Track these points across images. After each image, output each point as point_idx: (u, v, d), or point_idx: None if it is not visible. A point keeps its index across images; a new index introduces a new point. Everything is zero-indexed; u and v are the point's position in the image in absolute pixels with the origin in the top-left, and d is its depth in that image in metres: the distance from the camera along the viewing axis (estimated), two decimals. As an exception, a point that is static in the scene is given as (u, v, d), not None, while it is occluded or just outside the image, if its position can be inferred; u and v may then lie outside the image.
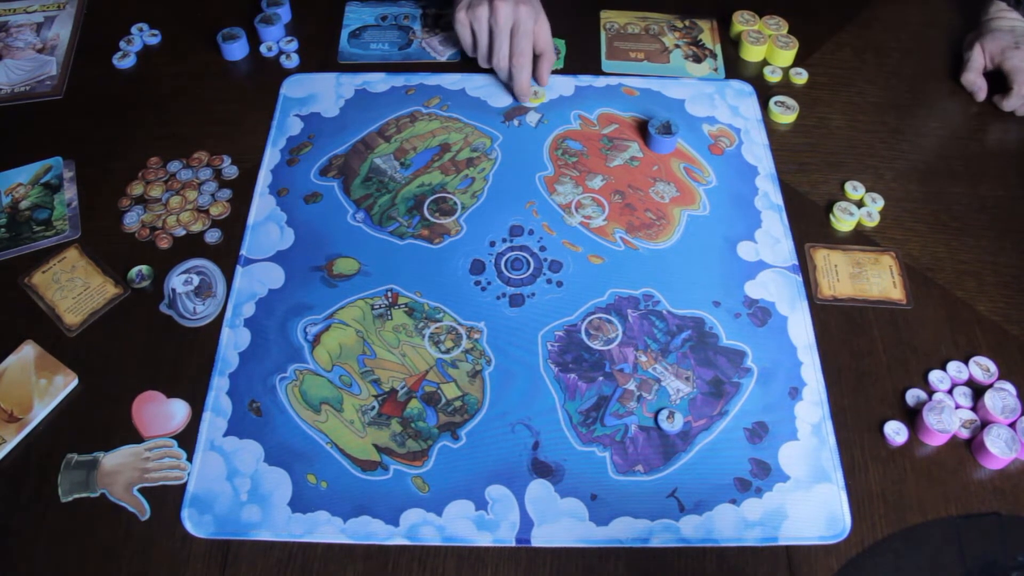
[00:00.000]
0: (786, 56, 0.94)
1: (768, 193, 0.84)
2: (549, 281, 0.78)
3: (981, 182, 0.86)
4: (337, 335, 0.74)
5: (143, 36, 0.98)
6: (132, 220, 0.81)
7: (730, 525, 0.65)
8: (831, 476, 0.67)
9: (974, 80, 0.92)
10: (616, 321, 0.75)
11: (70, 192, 0.84)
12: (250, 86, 0.94)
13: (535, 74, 0.89)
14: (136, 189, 0.84)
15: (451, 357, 0.73)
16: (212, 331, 0.74)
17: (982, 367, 0.73)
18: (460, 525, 0.65)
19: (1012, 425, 0.68)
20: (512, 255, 0.79)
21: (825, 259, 0.79)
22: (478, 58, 0.90)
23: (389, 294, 0.77)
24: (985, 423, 0.69)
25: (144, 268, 0.78)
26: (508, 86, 0.90)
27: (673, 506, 0.66)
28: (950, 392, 0.72)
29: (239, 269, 0.78)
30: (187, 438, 0.68)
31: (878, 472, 0.68)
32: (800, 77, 0.94)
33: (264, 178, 0.85)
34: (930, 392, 0.71)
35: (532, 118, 0.90)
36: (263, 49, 0.96)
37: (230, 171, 0.85)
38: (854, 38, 0.99)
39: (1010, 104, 0.90)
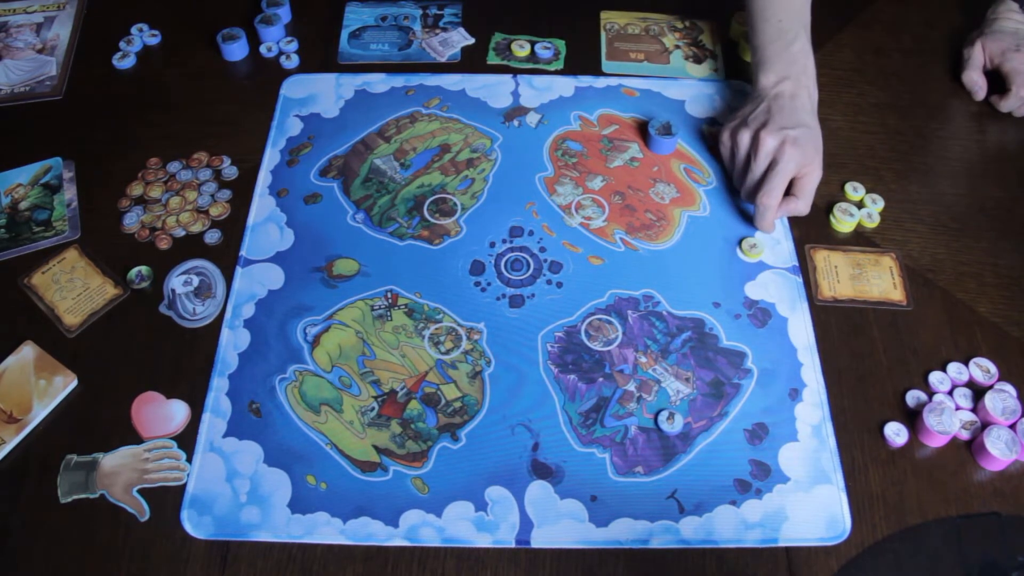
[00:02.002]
0: (786, 57, 0.94)
1: (768, 194, 0.84)
2: (549, 282, 0.77)
3: (981, 183, 0.86)
4: (337, 336, 0.74)
5: (143, 36, 0.98)
6: (132, 221, 0.81)
7: (730, 526, 0.65)
8: (831, 477, 0.67)
9: (975, 79, 0.92)
10: (616, 322, 0.75)
11: (70, 192, 0.83)
12: (250, 86, 0.94)
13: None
14: (136, 190, 0.84)
15: (451, 358, 0.73)
16: (212, 332, 0.74)
17: (982, 368, 0.72)
18: (460, 526, 0.65)
19: (1012, 426, 0.68)
20: (512, 256, 0.79)
21: (825, 260, 0.79)
22: (734, 179, 0.83)
23: (389, 295, 0.77)
24: (985, 424, 0.69)
25: (144, 269, 0.77)
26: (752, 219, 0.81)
27: (673, 507, 0.66)
28: (950, 393, 0.72)
29: (239, 270, 0.78)
30: (186, 439, 0.68)
31: (878, 473, 0.67)
32: (800, 78, 0.94)
33: (264, 179, 0.85)
34: (930, 393, 0.71)
35: (532, 119, 0.89)
36: (263, 49, 0.96)
37: (230, 172, 0.85)
38: (854, 39, 0.99)
39: (1008, 105, 0.90)
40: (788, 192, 0.78)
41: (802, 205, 0.78)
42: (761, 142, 0.77)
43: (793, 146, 0.76)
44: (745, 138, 0.79)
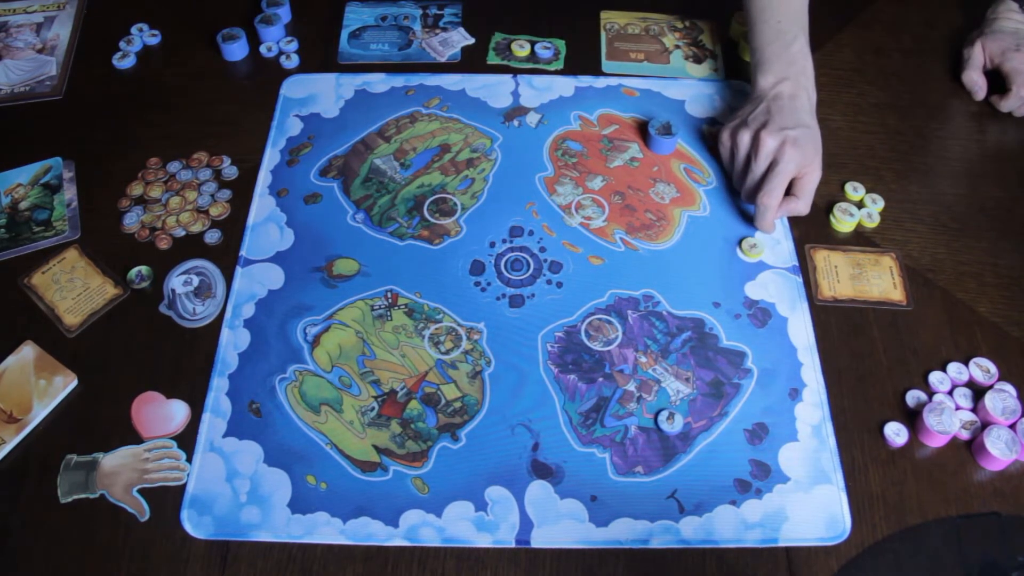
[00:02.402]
0: (786, 57, 0.94)
1: (768, 194, 0.84)
2: (549, 282, 0.77)
3: (981, 183, 0.86)
4: (337, 336, 0.74)
5: (143, 36, 0.98)
6: (132, 221, 0.81)
7: (730, 526, 0.65)
8: (831, 477, 0.67)
9: (975, 79, 0.92)
10: (616, 322, 0.75)
11: (70, 192, 0.83)
12: (250, 86, 0.94)
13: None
14: (136, 189, 0.84)
15: (451, 358, 0.73)
16: (212, 332, 0.74)
17: (982, 368, 0.72)
18: (460, 526, 0.65)
19: (1012, 426, 0.68)
20: (512, 256, 0.79)
21: (825, 260, 0.79)
22: (734, 179, 0.83)
23: (389, 295, 0.77)
24: (985, 424, 0.69)
25: (144, 269, 0.77)
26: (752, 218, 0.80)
27: (673, 507, 0.66)
28: (950, 393, 0.72)
29: (239, 270, 0.78)
30: (186, 439, 0.68)
31: (878, 473, 0.67)
32: (800, 78, 0.94)
33: (264, 179, 0.85)
34: (930, 393, 0.71)
35: (532, 119, 0.89)
36: (263, 49, 0.96)
37: (230, 172, 0.85)
38: (854, 39, 0.99)
39: (1008, 105, 0.90)
40: (788, 192, 0.78)
41: (802, 205, 0.78)
42: (761, 143, 0.77)
43: (793, 146, 0.76)
44: (745, 138, 0.79)
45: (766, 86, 0.81)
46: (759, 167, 0.78)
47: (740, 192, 0.82)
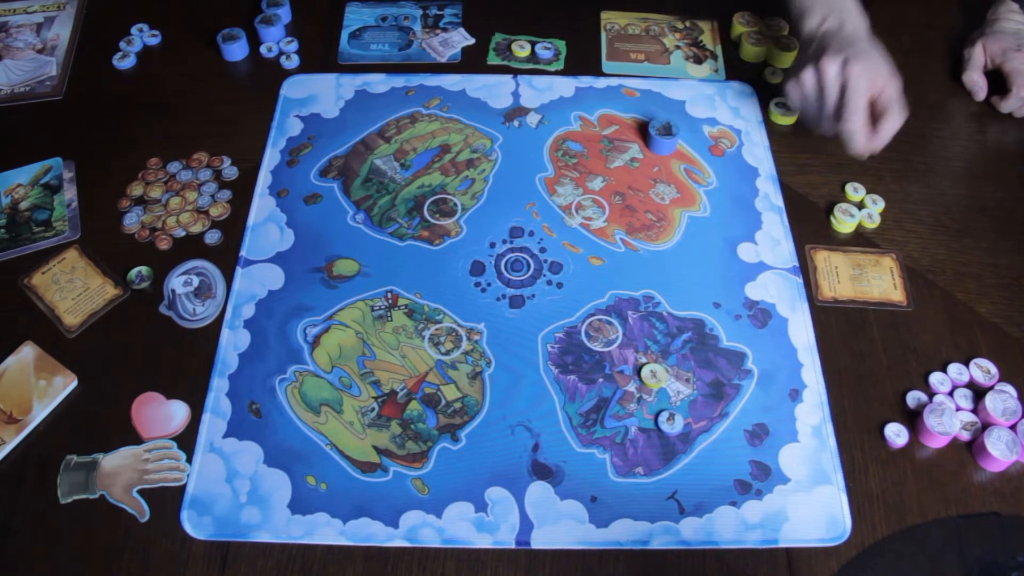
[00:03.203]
0: (787, 57, 0.94)
1: (768, 194, 0.84)
2: (549, 283, 0.77)
3: (981, 184, 0.86)
4: (337, 336, 0.74)
5: (143, 36, 0.98)
6: (132, 221, 0.81)
7: (730, 527, 0.65)
8: (831, 478, 0.67)
9: (975, 79, 0.92)
10: (616, 323, 0.75)
11: (70, 193, 0.83)
12: (250, 87, 0.94)
13: (873, 131, 0.77)
14: (136, 190, 0.84)
15: (451, 359, 0.73)
16: (212, 332, 0.74)
17: (983, 369, 0.72)
18: (460, 527, 0.65)
19: (1013, 427, 0.68)
20: (512, 256, 0.79)
21: (826, 261, 0.79)
22: (811, 123, 0.82)
23: (389, 295, 0.77)
24: (986, 425, 0.69)
25: (144, 269, 0.77)
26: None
27: (673, 508, 0.66)
28: (951, 394, 0.72)
29: (239, 270, 0.78)
30: (187, 439, 0.68)
31: (878, 474, 0.67)
32: (801, 78, 0.93)
33: (264, 179, 0.85)
34: (931, 394, 0.71)
35: (532, 119, 0.89)
36: (263, 50, 0.96)
37: (230, 172, 0.85)
38: (855, 39, 0.99)
39: (1008, 106, 0.90)
40: (874, 117, 0.77)
41: (894, 119, 0.76)
42: (824, 72, 0.76)
43: (856, 61, 0.75)
44: (810, 77, 0.78)
45: (813, 27, 0.81)
46: (831, 94, 0.77)
47: (826, 130, 0.80)
